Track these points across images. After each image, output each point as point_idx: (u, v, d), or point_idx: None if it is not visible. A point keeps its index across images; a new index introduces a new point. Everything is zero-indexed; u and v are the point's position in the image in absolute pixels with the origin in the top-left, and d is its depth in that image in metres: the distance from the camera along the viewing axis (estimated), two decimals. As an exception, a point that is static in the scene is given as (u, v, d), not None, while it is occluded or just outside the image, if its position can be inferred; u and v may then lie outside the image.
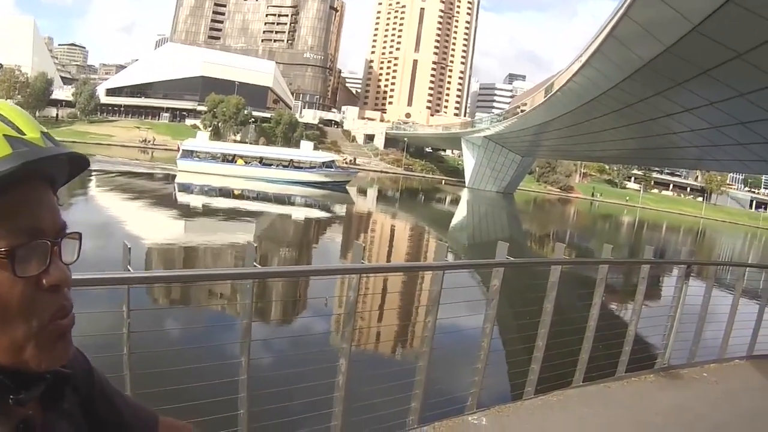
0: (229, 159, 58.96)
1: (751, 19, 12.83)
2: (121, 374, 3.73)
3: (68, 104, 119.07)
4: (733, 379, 7.81)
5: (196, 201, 40.89)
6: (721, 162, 34.72)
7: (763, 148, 23.20)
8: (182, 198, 42.30)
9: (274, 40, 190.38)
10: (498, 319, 5.81)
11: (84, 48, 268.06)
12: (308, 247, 27.82)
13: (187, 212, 34.61)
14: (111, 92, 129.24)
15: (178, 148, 63.42)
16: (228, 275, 6.35)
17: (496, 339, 6.91)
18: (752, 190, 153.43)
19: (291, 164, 59.26)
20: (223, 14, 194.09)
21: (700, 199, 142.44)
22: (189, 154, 58.20)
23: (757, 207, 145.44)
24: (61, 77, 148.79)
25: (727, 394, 7.35)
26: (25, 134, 0.87)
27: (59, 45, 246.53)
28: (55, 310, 0.89)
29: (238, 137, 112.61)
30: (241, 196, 45.05)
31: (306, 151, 64.24)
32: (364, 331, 11.71)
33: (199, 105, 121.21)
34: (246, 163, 58.65)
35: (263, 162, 59.09)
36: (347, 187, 60.40)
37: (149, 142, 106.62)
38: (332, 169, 60.23)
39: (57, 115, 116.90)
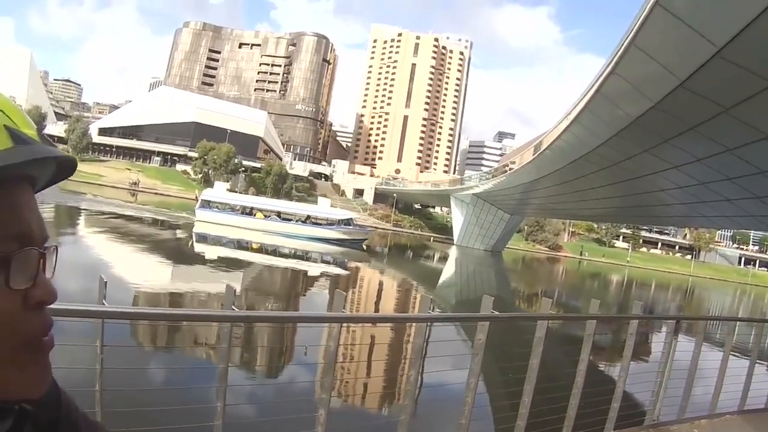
0: (248, 212, 59.02)
1: (737, 73, 12.93)
2: (92, 411, 3.59)
3: (60, 140, 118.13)
4: (723, 435, 7.66)
5: (214, 252, 40.64)
6: (708, 218, 34.84)
7: (751, 203, 23.27)
8: (201, 249, 42.16)
9: (267, 90, 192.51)
10: (483, 374, 5.66)
11: (79, 85, 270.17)
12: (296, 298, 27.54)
13: (201, 261, 34.60)
14: (103, 132, 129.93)
15: (196, 198, 64.25)
16: (204, 316, 6.10)
17: (482, 394, 6.73)
18: (741, 246, 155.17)
19: (309, 220, 59.49)
20: (217, 61, 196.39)
21: (689, 256, 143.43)
22: (208, 204, 58.16)
23: (745, 263, 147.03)
24: (55, 113, 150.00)
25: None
26: (22, 130, 0.81)
27: (54, 80, 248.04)
28: (40, 328, 0.82)
29: (228, 185, 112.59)
30: (260, 250, 45.14)
31: (324, 207, 64.35)
32: (345, 382, 11.47)
33: (190, 151, 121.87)
34: (265, 216, 58.79)
35: (282, 216, 59.30)
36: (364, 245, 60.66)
37: (136, 184, 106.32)
38: (350, 227, 60.51)
39: None
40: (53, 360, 0.85)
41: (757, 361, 9.63)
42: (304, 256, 45.34)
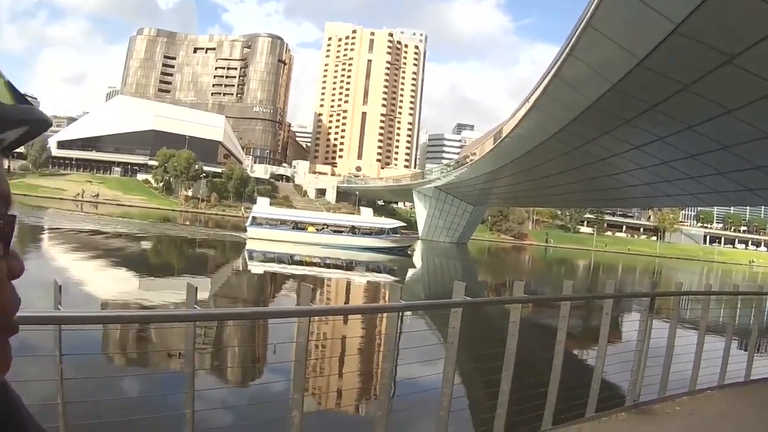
0: (301, 226, 59.48)
1: (696, 48, 12.87)
2: (55, 426, 3.41)
3: (20, 156, 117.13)
4: (706, 410, 7.61)
5: (282, 269, 40.64)
6: (673, 197, 35.04)
7: (714, 179, 23.42)
8: (268, 267, 41.67)
9: (224, 94, 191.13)
10: (460, 364, 5.43)
11: (35, 99, 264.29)
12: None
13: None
14: (62, 145, 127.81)
15: (243, 215, 67.97)
16: (166, 317, 5.71)
17: (458, 385, 6.52)
18: (705, 225, 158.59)
19: (355, 230, 60.36)
20: (172, 67, 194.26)
21: (654, 238, 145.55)
22: (258, 220, 58.41)
23: (711, 242, 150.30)
24: None
25: (702, 426, 7.14)
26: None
27: None
28: (16, 304, 0.76)
29: (189, 192, 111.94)
30: (317, 264, 45.38)
31: (367, 216, 66.01)
32: (318, 379, 11.16)
33: (150, 159, 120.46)
34: (318, 230, 59.43)
35: (333, 229, 60.17)
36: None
37: (94, 196, 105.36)
38: (398, 235, 61.28)
39: (9, 166, 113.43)
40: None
41: (734, 336, 9.64)
42: (370, 267, 46.85)
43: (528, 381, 6.16)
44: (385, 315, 6.23)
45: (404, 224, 68.71)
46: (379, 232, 59.82)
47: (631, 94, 17.98)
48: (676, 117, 17.94)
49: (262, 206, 61.91)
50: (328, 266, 44.30)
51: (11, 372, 0.74)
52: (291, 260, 45.59)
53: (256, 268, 40.35)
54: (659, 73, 15.24)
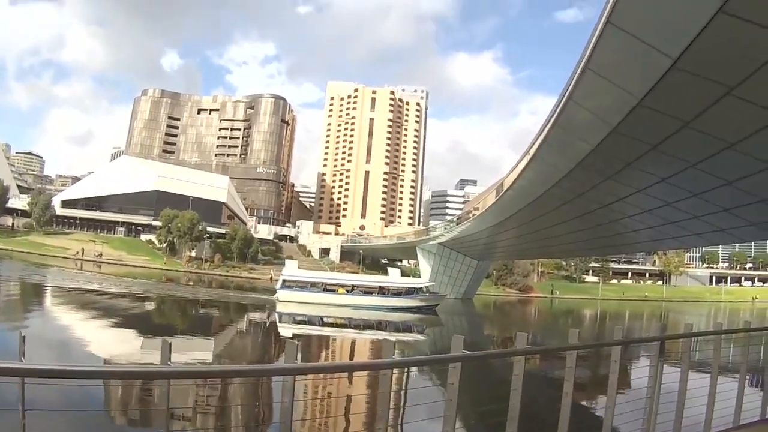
0: (330, 288, 60.39)
1: (695, 82, 12.87)
2: None
3: (24, 213, 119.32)
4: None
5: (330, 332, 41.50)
6: (678, 239, 34.77)
7: (719, 217, 23.22)
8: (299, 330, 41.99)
9: (228, 155, 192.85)
10: (463, 420, 5.23)
11: (41, 157, 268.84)
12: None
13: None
14: (66, 204, 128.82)
15: (271, 279, 72.64)
16: (139, 374, 5.42)
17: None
18: (710, 266, 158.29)
19: (384, 290, 61.33)
20: (177, 128, 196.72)
21: (660, 282, 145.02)
22: (287, 283, 59.35)
23: (717, 282, 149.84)
24: (18, 185, 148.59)
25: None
26: None
27: (16, 153, 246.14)
28: None
29: (193, 253, 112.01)
30: (346, 325, 46.27)
31: (395, 277, 67.40)
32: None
33: (154, 220, 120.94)
34: (347, 291, 60.16)
35: (362, 290, 61.06)
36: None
37: (98, 255, 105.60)
38: (427, 294, 62.54)
39: (13, 224, 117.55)
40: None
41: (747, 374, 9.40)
42: (400, 327, 47.83)
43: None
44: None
45: (432, 283, 69.51)
46: (407, 292, 60.83)
47: (632, 136, 17.94)
48: (678, 156, 17.88)
49: (291, 269, 63.22)
50: (357, 327, 45.08)
51: None
52: (321, 322, 46.59)
53: (298, 330, 41.13)
54: (659, 112, 15.22)
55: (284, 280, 59.55)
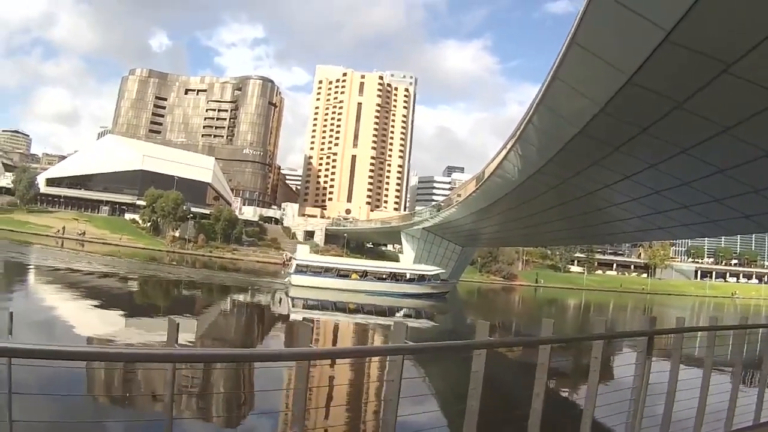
0: (343, 274, 61.21)
1: (689, 58, 11.90)
2: None
3: (8, 191, 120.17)
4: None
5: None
6: (665, 230, 34.09)
7: (710, 207, 22.45)
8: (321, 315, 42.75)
9: (214, 136, 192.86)
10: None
11: (27, 136, 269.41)
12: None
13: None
14: (51, 182, 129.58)
15: (283, 262, 73.58)
16: (143, 356, 4.57)
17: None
18: (696, 260, 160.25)
19: (395, 276, 62.46)
20: (164, 108, 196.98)
21: (645, 275, 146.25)
22: (301, 268, 59.96)
23: (702, 276, 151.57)
24: (3, 164, 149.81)
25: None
26: None
27: (3, 131, 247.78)
28: None
29: (177, 233, 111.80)
30: (358, 310, 47.50)
31: (406, 263, 70.69)
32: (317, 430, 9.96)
33: (138, 199, 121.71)
34: (361, 277, 61.17)
35: (375, 276, 61.94)
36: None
37: (81, 234, 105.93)
38: (439, 281, 63.65)
39: None
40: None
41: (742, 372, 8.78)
42: (421, 313, 48.56)
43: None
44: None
45: (443, 270, 69.84)
46: (420, 279, 61.73)
47: (621, 118, 17.01)
48: (668, 140, 16.94)
49: (303, 253, 63.70)
50: (369, 313, 46.43)
51: None
52: (334, 307, 47.85)
53: (316, 315, 41.66)
54: (650, 90, 14.23)
55: (298, 265, 60.09)
